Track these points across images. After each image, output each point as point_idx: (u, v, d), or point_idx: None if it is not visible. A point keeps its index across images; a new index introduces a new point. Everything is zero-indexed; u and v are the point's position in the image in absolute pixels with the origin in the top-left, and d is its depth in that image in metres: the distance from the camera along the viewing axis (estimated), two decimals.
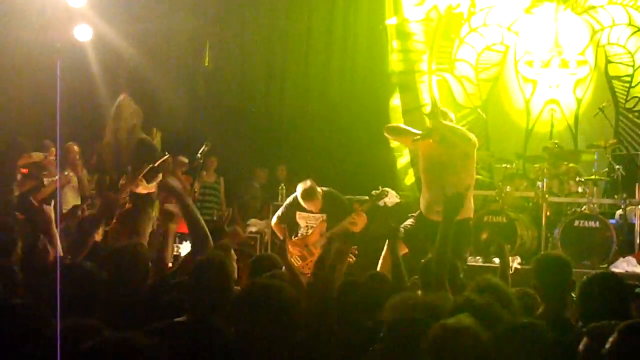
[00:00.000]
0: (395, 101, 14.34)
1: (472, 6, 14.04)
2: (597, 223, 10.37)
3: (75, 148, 10.31)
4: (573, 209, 11.01)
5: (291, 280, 5.43)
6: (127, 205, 8.23)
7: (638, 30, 13.18)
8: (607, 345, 3.25)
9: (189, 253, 5.65)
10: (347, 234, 7.73)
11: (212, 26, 14.77)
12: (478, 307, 3.95)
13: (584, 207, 10.67)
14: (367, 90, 14.29)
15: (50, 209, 5.76)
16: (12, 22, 11.92)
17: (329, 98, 14.55)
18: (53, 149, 10.15)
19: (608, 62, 13.30)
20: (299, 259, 8.89)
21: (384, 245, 7.97)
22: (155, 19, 13.69)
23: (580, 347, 3.55)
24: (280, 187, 11.91)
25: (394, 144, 13.92)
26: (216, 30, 14.85)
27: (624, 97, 13.16)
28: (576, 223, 10.44)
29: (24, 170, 8.96)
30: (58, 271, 4.17)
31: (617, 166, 11.09)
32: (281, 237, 9.12)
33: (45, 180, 8.33)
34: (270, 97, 15.07)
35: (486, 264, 10.38)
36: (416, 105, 14.08)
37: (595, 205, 10.87)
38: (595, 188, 11.11)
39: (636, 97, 13.10)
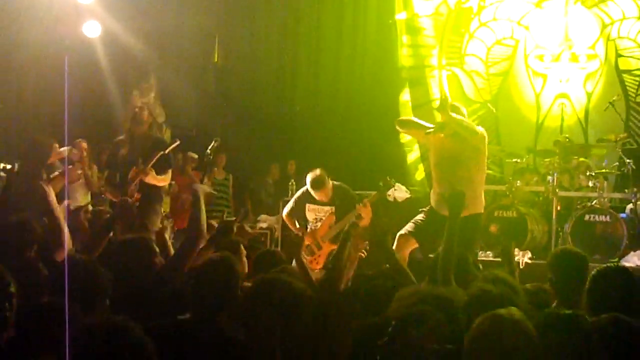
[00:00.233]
0: (405, 96, 14.31)
1: (481, 0, 14.02)
2: (608, 217, 10.34)
3: (84, 145, 10.31)
4: (583, 204, 10.96)
5: (301, 275, 5.42)
6: (136, 196, 8.21)
7: None
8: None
9: (178, 248, 5.65)
10: (359, 229, 7.70)
11: (222, 22, 14.78)
12: (494, 297, 3.93)
13: (595, 201, 10.63)
14: (377, 85, 14.29)
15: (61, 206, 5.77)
16: (21, 19, 11.95)
17: (338, 93, 14.54)
18: (84, 144, 10.18)
19: (618, 55, 13.25)
20: (307, 254, 8.88)
21: (392, 241, 7.97)
22: (165, 15, 13.72)
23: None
24: (290, 183, 11.91)
25: (404, 139, 13.91)
26: (226, 27, 14.86)
27: (635, 90, 13.11)
28: (587, 217, 10.42)
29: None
30: (66, 268, 4.17)
31: (628, 160, 11.05)
32: (294, 230, 9.16)
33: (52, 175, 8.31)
34: (280, 93, 15.07)
35: (497, 259, 10.35)
36: (426, 100, 14.06)
37: (606, 200, 10.83)
38: (605, 182, 11.06)
39: None
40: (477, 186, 8.04)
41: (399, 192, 9.06)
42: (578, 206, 11.03)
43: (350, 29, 14.72)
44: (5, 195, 8.36)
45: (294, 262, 6.36)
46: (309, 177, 8.91)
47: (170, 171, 8.67)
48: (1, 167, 10.05)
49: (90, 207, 9.36)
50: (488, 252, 10.60)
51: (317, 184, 8.86)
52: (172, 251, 5.90)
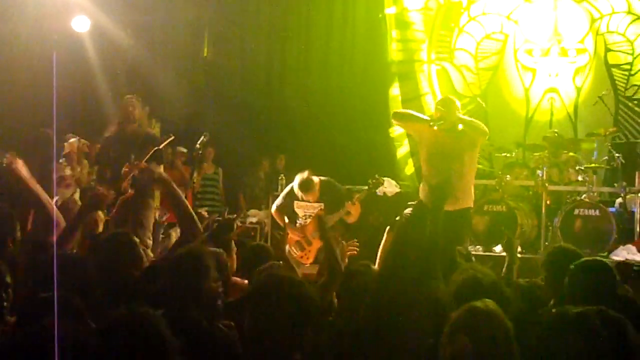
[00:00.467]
0: (395, 90, 14.30)
1: None
2: (597, 211, 10.36)
3: (73, 140, 10.28)
4: (573, 198, 10.99)
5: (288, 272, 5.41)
6: (129, 192, 8.20)
7: (637, 18, 13.14)
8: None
9: (176, 242, 5.63)
10: (346, 225, 7.73)
11: (212, 16, 14.74)
12: (485, 285, 3.94)
13: (584, 195, 10.65)
14: (367, 79, 14.27)
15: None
16: (9, 14, 11.89)
17: (328, 88, 14.52)
18: (74, 139, 10.14)
19: (607, 50, 13.27)
20: (297, 249, 8.90)
21: (383, 235, 7.98)
22: (154, 9, 13.67)
23: None
24: (280, 178, 11.90)
25: (394, 133, 13.92)
26: (215, 20, 14.82)
27: (624, 85, 13.13)
28: (576, 211, 10.44)
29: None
30: (55, 262, 4.16)
31: (617, 154, 11.08)
32: (281, 225, 9.18)
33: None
34: (270, 87, 15.04)
35: (486, 253, 10.39)
36: (415, 94, 14.06)
37: (595, 194, 10.85)
38: (595, 176, 11.09)
39: (636, 85, 13.07)
40: (469, 180, 8.11)
41: (389, 187, 9.11)
42: (567, 200, 11.05)
43: (340, 23, 14.70)
44: None
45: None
46: (297, 180, 8.93)
47: (162, 166, 8.67)
48: None
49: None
50: (478, 247, 10.63)
51: (304, 187, 8.90)
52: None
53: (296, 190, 8.95)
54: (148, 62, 13.50)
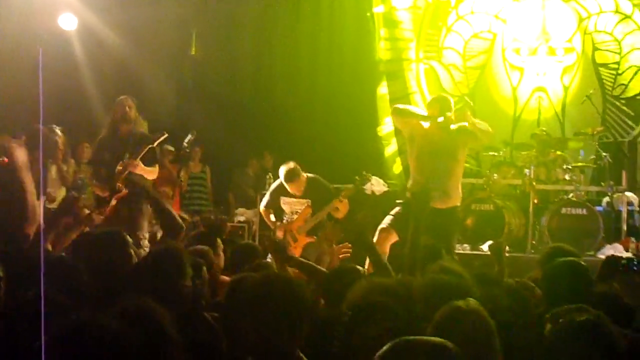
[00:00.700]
0: (383, 89, 14.30)
1: None
2: (584, 210, 10.39)
3: (58, 139, 10.22)
4: (560, 197, 11.02)
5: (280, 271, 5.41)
6: (123, 192, 8.16)
7: (625, 18, 13.16)
8: None
9: (159, 241, 5.61)
10: (336, 223, 7.72)
11: (199, 14, 14.70)
12: (446, 284, 3.95)
13: (571, 194, 10.68)
14: (355, 78, 14.25)
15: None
16: None
17: (316, 86, 14.50)
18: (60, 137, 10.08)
19: (595, 49, 13.29)
20: None
21: (372, 235, 7.96)
22: (141, 6, 13.62)
23: (546, 332, 3.59)
24: (267, 176, 11.87)
25: (382, 132, 13.94)
26: (203, 18, 14.78)
27: (611, 84, 13.15)
28: (563, 210, 10.48)
29: None
30: (42, 262, 4.14)
31: (604, 153, 11.11)
32: (269, 224, 9.18)
33: None
34: (258, 85, 15.01)
35: (474, 252, 10.41)
36: (404, 93, 14.06)
37: (582, 193, 10.89)
38: (582, 175, 11.14)
39: (623, 84, 13.09)
40: (457, 179, 8.20)
41: (377, 186, 9.11)
42: (555, 199, 11.09)
43: (328, 22, 14.68)
44: None
45: (269, 256, 6.36)
46: (282, 170, 8.94)
47: (157, 165, 8.65)
48: None
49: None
50: (465, 245, 10.64)
51: (290, 176, 8.91)
52: None
53: (282, 180, 8.96)
54: (135, 60, 13.45)
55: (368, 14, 14.31)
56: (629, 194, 10.91)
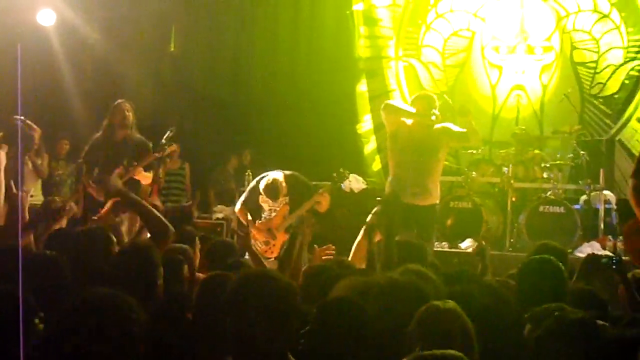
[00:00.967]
0: (362, 87, 14.31)
1: None
2: (562, 208, 10.45)
3: (34, 133, 10.17)
4: (538, 195, 11.07)
5: (255, 266, 5.41)
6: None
7: (603, 17, 13.23)
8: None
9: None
10: (311, 222, 7.70)
11: (178, 10, 14.65)
12: (402, 285, 3.96)
13: (549, 192, 10.73)
14: (334, 76, 14.24)
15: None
16: None
17: (295, 83, 14.48)
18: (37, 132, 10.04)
19: (573, 48, 13.35)
20: (262, 243, 8.90)
21: (351, 232, 7.97)
22: (120, 2, 13.58)
23: (525, 332, 3.62)
24: (246, 173, 11.85)
25: (361, 129, 13.95)
26: (182, 15, 14.74)
27: (589, 83, 13.22)
28: (541, 208, 10.53)
29: None
30: (20, 258, 4.13)
31: (582, 152, 11.16)
32: (245, 223, 9.15)
33: None
34: (237, 82, 14.98)
35: (452, 249, 10.44)
36: (383, 91, 14.07)
37: (560, 191, 10.93)
38: (560, 174, 11.18)
39: (601, 83, 13.16)
40: (438, 176, 8.30)
41: (355, 183, 9.10)
42: (533, 197, 11.14)
43: (308, 19, 14.67)
44: None
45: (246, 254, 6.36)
46: (263, 184, 8.89)
47: (152, 171, 8.66)
48: None
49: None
50: (444, 243, 10.67)
51: (271, 194, 8.86)
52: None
53: (261, 191, 8.94)
54: (114, 56, 13.41)
55: (348, 12, 14.31)
56: (606, 192, 10.96)
